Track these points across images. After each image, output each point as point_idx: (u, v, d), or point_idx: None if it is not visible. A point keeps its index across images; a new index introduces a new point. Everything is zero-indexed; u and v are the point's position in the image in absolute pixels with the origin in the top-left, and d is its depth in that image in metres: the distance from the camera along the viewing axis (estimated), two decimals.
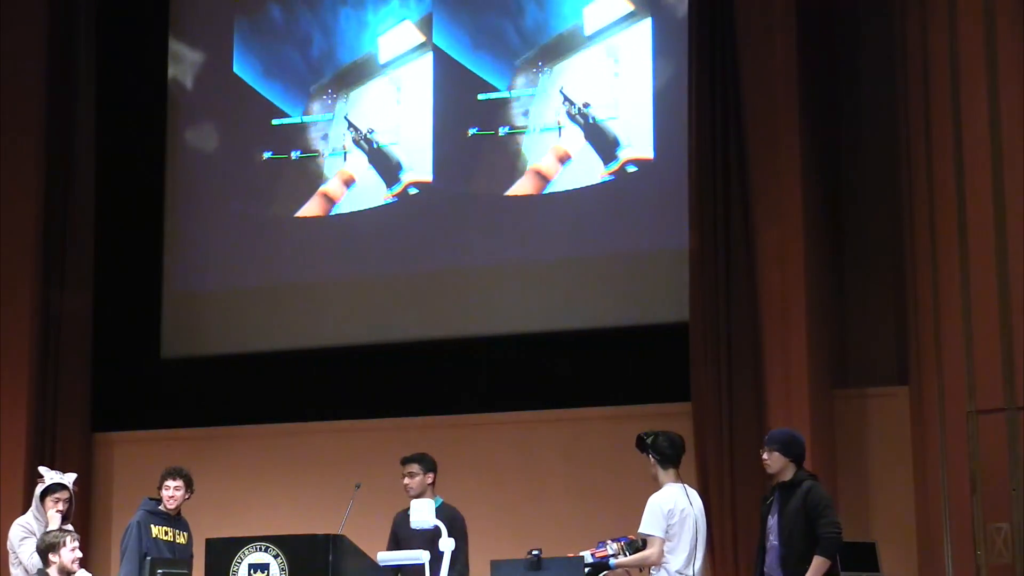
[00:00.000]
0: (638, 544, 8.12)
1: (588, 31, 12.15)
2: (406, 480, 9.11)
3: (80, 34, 12.92)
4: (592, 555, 8.15)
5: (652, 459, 8.18)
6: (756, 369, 10.76)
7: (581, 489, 11.47)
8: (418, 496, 8.87)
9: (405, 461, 9.20)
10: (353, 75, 12.84)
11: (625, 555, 8.12)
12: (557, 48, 12.21)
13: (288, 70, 13.03)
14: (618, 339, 11.68)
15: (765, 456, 8.27)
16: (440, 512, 8.72)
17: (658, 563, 7.98)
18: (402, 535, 8.90)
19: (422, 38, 12.61)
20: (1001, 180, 9.46)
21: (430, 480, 9.11)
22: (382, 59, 12.75)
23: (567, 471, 11.63)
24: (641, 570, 8.17)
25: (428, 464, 9.15)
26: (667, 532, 7.99)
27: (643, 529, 8.02)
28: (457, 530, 8.57)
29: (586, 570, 8.12)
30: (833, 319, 11.04)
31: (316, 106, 12.91)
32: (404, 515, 8.86)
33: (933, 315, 9.73)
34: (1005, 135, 9.47)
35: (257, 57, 13.15)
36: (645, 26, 12.01)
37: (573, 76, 12.13)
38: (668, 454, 8.17)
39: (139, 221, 13.22)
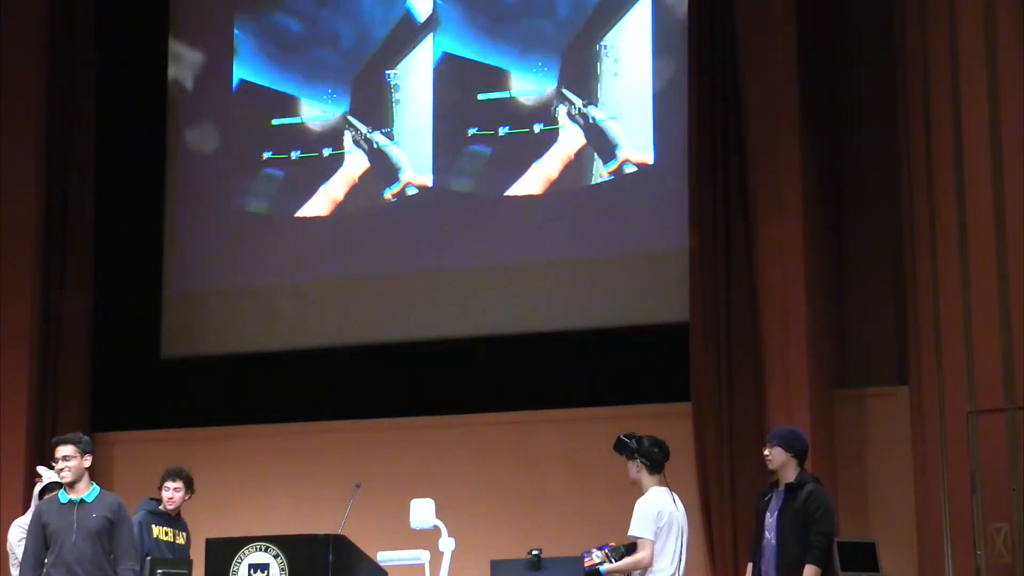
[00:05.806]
0: (621, 550, 8.05)
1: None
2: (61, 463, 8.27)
3: (80, 34, 12.93)
4: None
5: (640, 463, 8.05)
6: (756, 369, 10.76)
7: (581, 489, 11.46)
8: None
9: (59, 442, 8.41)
10: (354, 74, 12.85)
11: (611, 561, 8.05)
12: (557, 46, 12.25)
13: (288, 70, 13.04)
14: (618, 339, 11.67)
15: (767, 452, 8.28)
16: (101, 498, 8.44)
17: (651, 565, 7.91)
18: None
19: (423, 34, 12.63)
20: (1001, 180, 9.45)
21: (87, 463, 8.33)
22: (384, 58, 12.75)
23: (567, 471, 11.62)
24: (630, 574, 8.11)
25: (85, 446, 8.36)
26: (655, 534, 7.94)
27: (634, 531, 7.93)
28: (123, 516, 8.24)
29: None
30: (833, 319, 11.03)
31: (316, 106, 12.91)
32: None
33: (933, 315, 9.72)
34: (1005, 136, 9.45)
35: (257, 56, 13.15)
36: (645, 25, 12.02)
37: (573, 76, 12.13)
38: (658, 460, 8.05)
39: (139, 221, 13.22)
